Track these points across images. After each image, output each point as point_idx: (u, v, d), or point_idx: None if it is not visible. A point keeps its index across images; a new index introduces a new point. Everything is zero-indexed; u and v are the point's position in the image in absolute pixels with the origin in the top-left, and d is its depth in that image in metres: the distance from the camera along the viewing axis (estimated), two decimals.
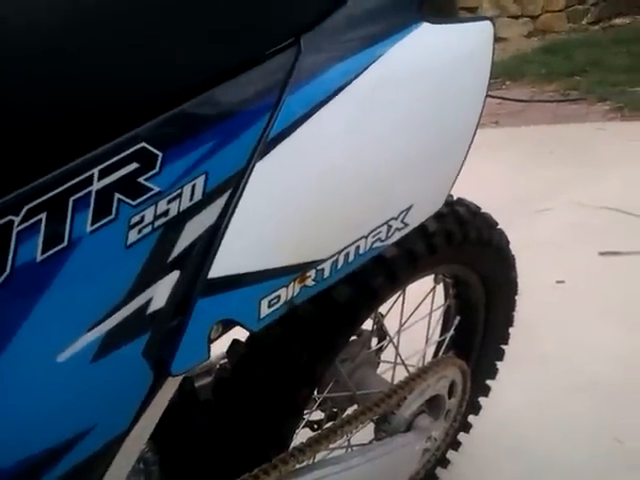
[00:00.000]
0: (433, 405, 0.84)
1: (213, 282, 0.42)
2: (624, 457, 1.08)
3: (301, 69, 0.44)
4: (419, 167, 0.53)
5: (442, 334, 0.96)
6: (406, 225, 0.54)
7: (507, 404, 1.17)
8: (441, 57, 0.52)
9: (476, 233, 0.79)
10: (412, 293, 0.84)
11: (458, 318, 0.93)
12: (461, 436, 1.03)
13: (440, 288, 0.93)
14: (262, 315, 0.46)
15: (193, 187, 0.40)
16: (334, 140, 0.46)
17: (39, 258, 0.35)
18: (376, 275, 0.67)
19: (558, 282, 1.62)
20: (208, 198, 0.41)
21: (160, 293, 0.41)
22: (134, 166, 0.37)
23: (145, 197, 0.38)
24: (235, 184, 0.42)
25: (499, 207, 1.00)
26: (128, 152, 0.36)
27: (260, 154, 0.43)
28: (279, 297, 0.47)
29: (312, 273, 0.48)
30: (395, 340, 0.87)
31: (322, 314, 0.65)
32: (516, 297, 0.94)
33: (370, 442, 0.83)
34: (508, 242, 0.88)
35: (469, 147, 0.58)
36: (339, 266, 0.50)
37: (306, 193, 0.46)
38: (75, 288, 0.37)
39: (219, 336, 0.45)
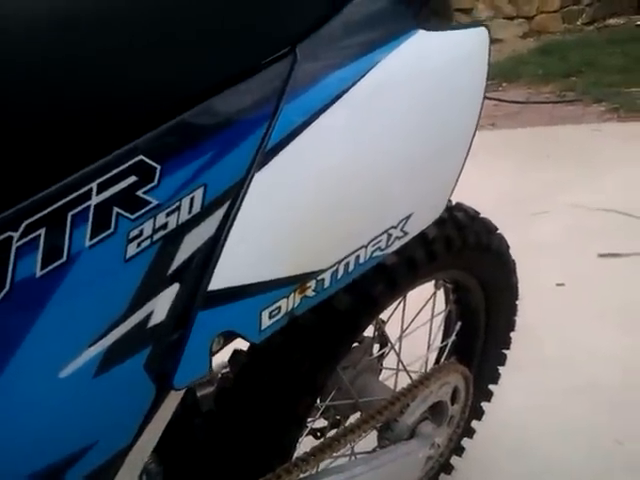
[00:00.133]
0: (436, 412, 0.84)
1: (213, 294, 0.42)
2: (624, 458, 1.08)
3: (298, 77, 0.44)
4: (419, 174, 0.53)
5: (444, 340, 0.96)
6: (406, 234, 0.54)
7: (508, 407, 1.16)
8: (437, 64, 0.52)
9: (475, 238, 0.79)
10: (413, 299, 0.84)
11: (459, 323, 0.93)
12: (464, 441, 1.03)
13: (441, 294, 0.93)
14: (263, 326, 0.46)
15: (192, 199, 0.40)
16: (332, 148, 0.46)
17: (39, 273, 0.35)
18: (376, 283, 0.67)
19: (558, 285, 1.62)
20: (207, 210, 0.41)
21: (160, 306, 0.41)
22: (132, 179, 0.37)
23: (144, 210, 0.38)
24: (234, 195, 0.42)
25: (497, 210, 1.00)
26: (126, 165, 0.36)
27: (259, 164, 0.43)
28: (280, 308, 0.46)
29: (312, 283, 0.48)
30: (397, 346, 0.87)
31: (323, 322, 0.65)
32: (517, 301, 0.94)
33: (373, 450, 0.83)
34: (508, 247, 0.88)
35: (467, 153, 0.58)
36: (339, 276, 0.50)
37: (305, 203, 0.45)
38: (75, 303, 0.37)
39: (220, 348, 0.45)
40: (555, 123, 3.03)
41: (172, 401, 0.46)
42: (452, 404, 0.86)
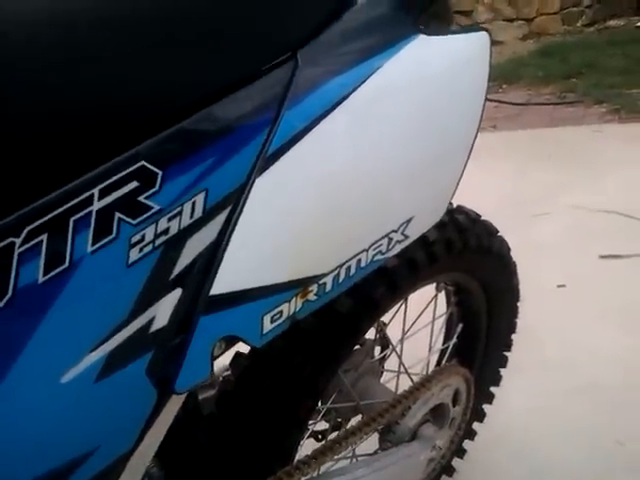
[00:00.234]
0: (437, 414, 0.84)
1: (215, 299, 0.42)
2: (625, 459, 1.08)
3: (299, 83, 0.44)
4: (419, 179, 0.54)
5: (445, 342, 0.96)
6: (407, 237, 0.54)
7: (509, 409, 1.16)
8: (438, 69, 0.52)
9: (476, 241, 0.79)
10: (414, 301, 0.84)
11: (460, 326, 0.93)
12: (466, 443, 1.03)
13: (442, 296, 0.93)
14: (265, 331, 0.46)
15: (193, 204, 0.40)
16: (333, 154, 0.46)
17: (41, 279, 0.35)
18: (377, 285, 0.67)
19: (559, 286, 1.62)
20: (208, 215, 0.41)
21: (162, 311, 0.41)
22: (134, 185, 0.37)
23: (145, 216, 0.38)
24: (235, 200, 0.42)
25: (498, 212, 1.00)
26: (128, 171, 0.37)
27: (260, 169, 0.43)
28: (281, 312, 0.47)
29: (314, 288, 0.48)
30: (398, 349, 0.87)
31: (324, 325, 0.65)
32: (518, 304, 0.94)
33: (375, 452, 0.83)
34: (509, 249, 0.88)
35: (468, 157, 0.58)
36: (341, 280, 0.50)
37: (307, 207, 0.46)
38: (77, 308, 0.37)
39: (222, 352, 0.45)
40: (556, 124, 3.03)
41: (174, 405, 0.46)
42: (453, 406, 0.87)
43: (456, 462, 1.02)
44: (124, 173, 0.36)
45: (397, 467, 0.76)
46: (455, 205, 0.80)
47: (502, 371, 1.01)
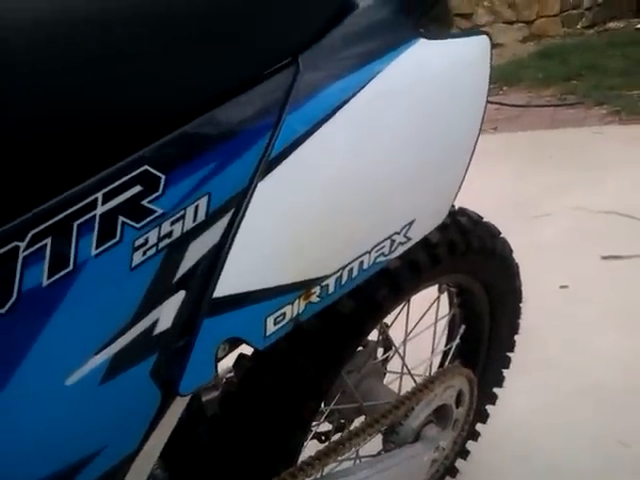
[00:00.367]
0: (441, 415, 0.84)
1: (218, 301, 0.43)
2: (630, 461, 1.08)
3: (300, 88, 0.45)
4: (421, 182, 0.54)
5: (448, 343, 0.96)
6: (409, 239, 0.55)
7: (512, 410, 1.16)
8: (438, 72, 0.52)
9: (478, 242, 0.79)
10: (417, 303, 0.84)
11: (463, 327, 0.93)
12: (469, 444, 1.03)
13: (444, 297, 0.93)
14: (268, 333, 0.46)
15: (196, 208, 0.40)
16: (335, 157, 0.46)
17: (45, 283, 0.35)
18: (380, 287, 0.68)
19: (562, 287, 1.62)
20: (211, 218, 0.41)
21: (166, 314, 0.41)
22: (137, 189, 0.37)
23: (149, 219, 0.38)
24: (238, 204, 0.42)
25: (499, 213, 1.00)
26: (131, 175, 0.37)
27: (262, 173, 0.43)
28: (284, 314, 0.47)
29: (317, 289, 0.48)
30: (401, 350, 0.87)
31: (327, 327, 0.65)
32: (521, 305, 0.94)
33: (378, 453, 0.83)
34: (511, 251, 0.88)
35: (470, 159, 0.59)
36: (343, 282, 0.50)
37: (309, 210, 0.46)
38: (82, 311, 0.37)
39: (226, 354, 0.45)
40: (556, 126, 3.03)
41: (178, 407, 0.46)
42: (457, 407, 0.87)
43: (459, 463, 1.02)
44: (128, 177, 0.37)
45: (400, 468, 0.76)
46: (457, 207, 0.81)
47: (505, 372, 1.02)
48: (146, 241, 0.38)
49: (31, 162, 0.35)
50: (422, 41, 0.51)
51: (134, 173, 0.37)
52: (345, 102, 0.46)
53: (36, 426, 0.38)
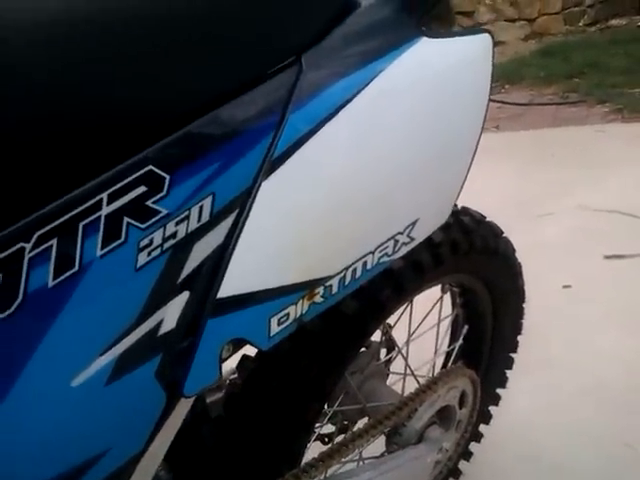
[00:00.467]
0: (444, 416, 0.84)
1: (222, 302, 0.43)
2: (635, 462, 1.08)
3: (303, 87, 0.45)
4: (424, 181, 0.54)
5: (451, 344, 0.96)
6: (412, 239, 0.55)
7: (515, 411, 1.16)
8: (441, 71, 0.52)
9: (481, 242, 0.79)
10: (420, 303, 0.84)
11: (466, 327, 0.93)
12: (472, 446, 1.03)
13: (447, 298, 0.93)
14: (272, 333, 0.46)
15: (200, 208, 0.40)
16: (338, 156, 0.46)
17: (51, 283, 0.35)
18: (383, 287, 0.67)
19: (565, 287, 1.61)
20: (215, 219, 0.41)
21: (171, 315, 0.41)
22: (142, 189, 0.37)
23: (154, 220, 0.38)
24: (242, 203, 0.42)
25: (502, 212, 1.00)
26: (136, 176, 0.37)
27: (265, 173, 0.43)
28: (288, 315, 0.47)
29: (320, 290, 0.48)
30: (404, 351, 0.87)
31: (330, 328, 0.65)
32: (524, 305, 0.94)
33: (381, 455, 0.83)
34: (514, 250, 0.88)
35: (472, 158, 0.58)
36: (347, 282, 0.50)
37: (312, 209, 0.46)
38: (87, 312, 0.37)
39: (230, 355, 0.45)
40: (558, 125, 3.02)
41: (182, 408, 0.46)
42: (460, 408, 0.86)
43: (463, 465, 1.02)
44: (132, 178, 0.37)
45: (404, 470, 0.76)
46: (460, 206, 0.80)
47: (508, 373, 1.01)
48: (151, 242, 0.38)
49: (34, 163, 0.35)
50: (424, 40, 0.51)
51: (139, 173, 0.37)
52: (348, 101, 0.46)
53: (42, 427, 0.38)
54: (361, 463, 0.83)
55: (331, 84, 0.46)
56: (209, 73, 0.41)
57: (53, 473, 0.39)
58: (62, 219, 0.35)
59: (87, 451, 0.40)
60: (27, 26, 0.34)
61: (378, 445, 0.83)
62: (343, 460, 0.73)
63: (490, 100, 0.59)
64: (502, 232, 0.85)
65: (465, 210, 0.81)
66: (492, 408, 1.03)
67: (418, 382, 0.85)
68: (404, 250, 0.54)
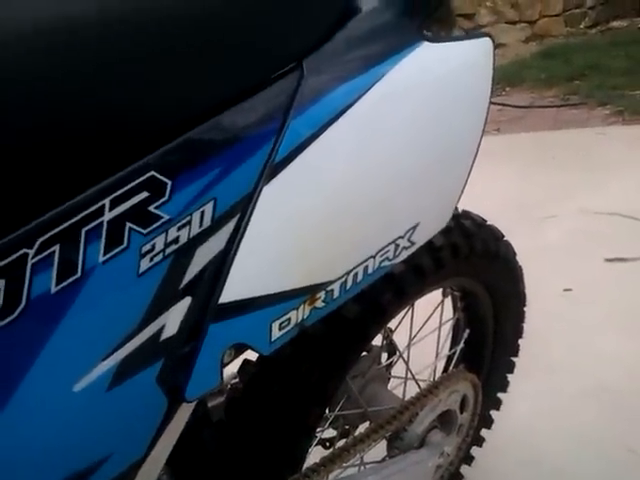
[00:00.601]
0: (445, 420, 0.84)
1: (224, 307, 0.43)
2: (637, 466, 1.07)
3: (304, 92, 0.45)
4: (425, 185, 0.54)
5: (452, 348, 0.96)
6: (413, 243, 0.55)
7: (516, 415, 1.16)
8: (442, 75, 0.52)
9: (482, 246, 0.79)
10: (421, 307, 0.84)
11: (467, 331, 0.93)
12: (474, 450, 1.03)
13: (448, 301, 0.93)
14: (273, 338, 0.46)
15: (202, 213, 0.40)
16: (339, 161, 0.46)
17: (53, 289, 0.35)
18: (384, 291, 0.67)
19: (566, 290, 1.61)
20: (217, 224, 0.41)
21: (172, 320, 0.41)
22: (144, 195, 0.37)
23: (156, 225, 0.38)
24: (243, 209, 0.43)
25: (502, 215, 1.00)
26: (138, 181, 0.37)
27: (267, 178, 0.43)
28: (290, 319, 0.47)
29: (322, 294, 0.48)
30: (405, 355, 0.87)
31: (332, 332, 0.65)
32: (525, 308, 0.94)
33: (383, 459, 0.83)
34: (515, 254, 0.88)
35: (473, 162, 0.59)
36: (348, 286, 0.50)
37: (313, 214, 0.46)
38: (89, 318, 0.37)
39: (232, 360, 0.45)
40: (559, 127, 3.03)
41: (184, 413, 0.47)
42: (461, 412, 0.86)
43: (464, 469, 1.02)
44: (134, 183, 0.37)
45: (405, 474, 0.76)
46: (460, 210, 0.80)
47: (509, 376, 1.01)
48: (153, 247, 0.38)
49: (36, 169, 0.35)
50: (425, 44, 0.51)
51: (141, 179, 0.37)
52: (349, 106, 0.46)
53: (44, 433, 0.38)
54: (362, 468, 0.83)
55: (332, 89, 0.46)
56: (210, 79, 0.42)
57: (56, 478, 0.39)
58: (64, 225, 0.35)
59: (89, 457, 0.40)
60: (27, 33, 0.34)
61: (379, 449, 0.83)
62: (344, 465, 0.73)
63: (491, 103, 0.59)
64: (503, 235, 0.85)
65: (466, 214, 0.81)
66: (493, 412, 1.03)
67: (419, 386, 0.85)
68: (405, 254, 0.55)
